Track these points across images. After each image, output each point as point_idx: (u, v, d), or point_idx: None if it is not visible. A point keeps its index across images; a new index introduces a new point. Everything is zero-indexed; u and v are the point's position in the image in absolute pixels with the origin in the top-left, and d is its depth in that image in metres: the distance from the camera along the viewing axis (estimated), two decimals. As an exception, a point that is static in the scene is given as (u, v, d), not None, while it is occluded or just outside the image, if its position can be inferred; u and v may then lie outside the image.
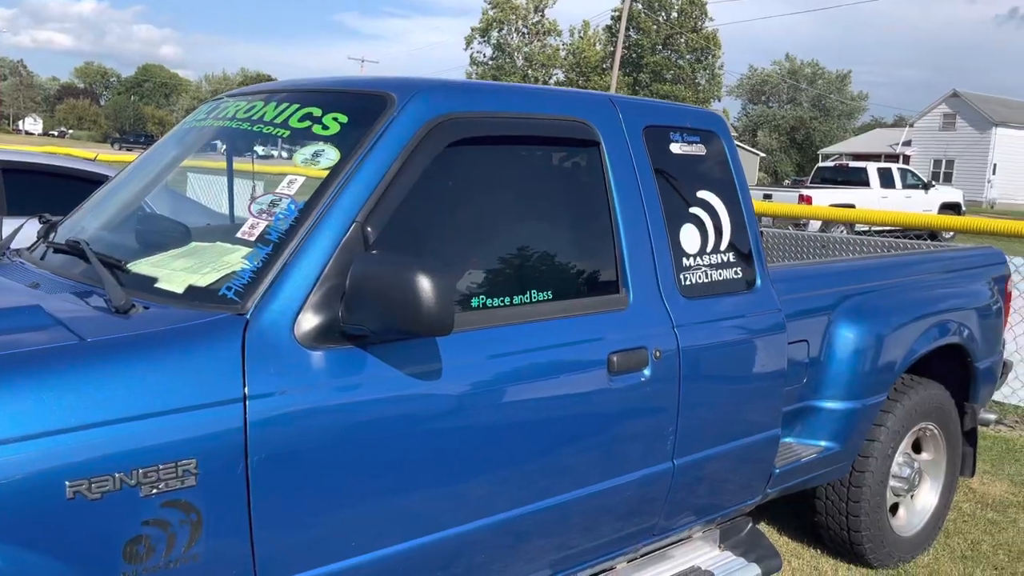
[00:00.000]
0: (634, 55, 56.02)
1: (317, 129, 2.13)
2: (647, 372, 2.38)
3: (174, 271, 1.95)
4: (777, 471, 2.96)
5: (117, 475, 1.54)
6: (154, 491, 1.58)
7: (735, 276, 2.74)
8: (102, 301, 1.86)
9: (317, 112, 2.18)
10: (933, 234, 15.32)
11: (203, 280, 1.88)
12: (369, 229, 1.93)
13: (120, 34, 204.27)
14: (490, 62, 60.69)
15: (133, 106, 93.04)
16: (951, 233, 15.88)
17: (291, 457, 1.75)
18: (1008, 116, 45.34)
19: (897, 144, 46.84)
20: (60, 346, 1.62)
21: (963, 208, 21.85)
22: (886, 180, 19.66)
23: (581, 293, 2.34)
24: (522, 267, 2.25)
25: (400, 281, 1.74)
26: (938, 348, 3.51)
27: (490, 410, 2.07)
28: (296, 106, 2.25)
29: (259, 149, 2.51)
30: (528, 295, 2.21)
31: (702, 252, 2.65)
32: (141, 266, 2.02)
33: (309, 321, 1.81)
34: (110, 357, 1.62)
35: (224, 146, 2.63)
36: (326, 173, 1.99)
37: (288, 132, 2.19)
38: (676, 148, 2.67)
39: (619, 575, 2.60)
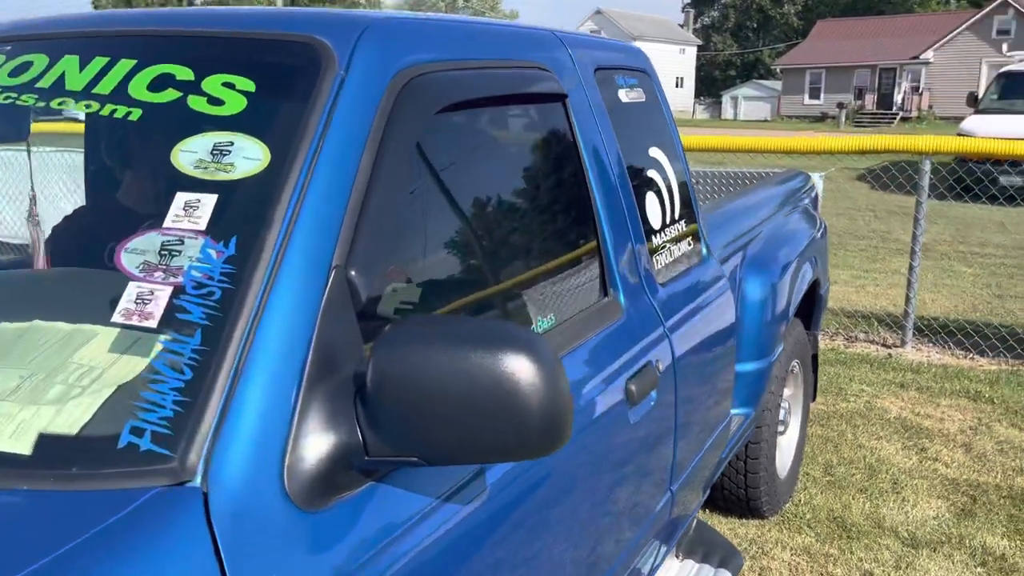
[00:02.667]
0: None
1: (200, 105, 1.24)
2: (655, 394, 1.85)
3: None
4: (723, 455, 2.64)
5: None
6: None
7: (689, 247, 2.28)
8: None
9: (186, 75, 1.28)
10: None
11: (71, 418, 0.98)
12: (355, 275, 1.14)
13: None
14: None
15: None
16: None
17: None
18: (644, 30, 50.35)
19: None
20: None
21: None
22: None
23: (577, 309, 1.73)
24: (525, 290, 1.57)
25: (483, 374, 1.01)
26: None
27: (525, 501, 1.41)
28: (128, 63, 1.31)
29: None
30: (535, 328, 1.55)
31: (664, 225, 2.14)
32: None
33: (307, 465, 1.02)
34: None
35: None
36: (251, 184, 1.15)
37: (140, 111, 1.26)
38: (623, 95, 2.09)
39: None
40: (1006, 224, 11.15)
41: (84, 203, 1.60)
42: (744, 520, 3.39)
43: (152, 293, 1.06)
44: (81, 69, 1.32)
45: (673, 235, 2.17)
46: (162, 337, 1.04)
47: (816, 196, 4.23)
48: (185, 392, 0.99)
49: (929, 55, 37.79)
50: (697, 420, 2.17)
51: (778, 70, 44.41)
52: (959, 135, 13.39)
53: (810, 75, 41.62)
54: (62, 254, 1.44)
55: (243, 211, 1.13)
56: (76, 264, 1.40)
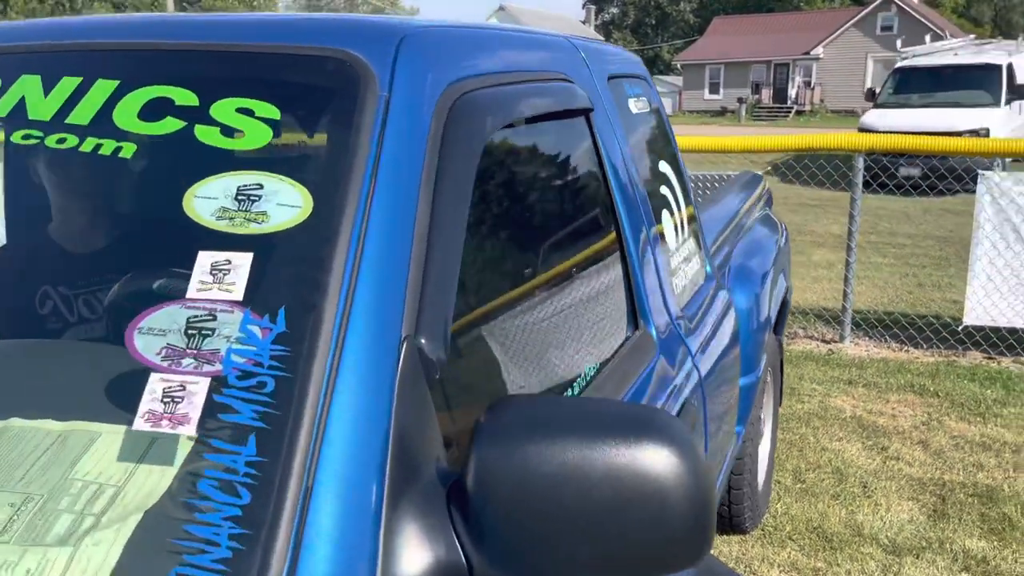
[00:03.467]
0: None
1: (212, 138, 1.00)
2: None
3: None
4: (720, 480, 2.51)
5: None
6: None
7: (698, 266, 2.13)
8: None
9: (187, 99, 1.03)
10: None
11: (94, 565, 0.74)
12: (426, 344, 0.93)
13: None
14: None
15: None
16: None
17: None
18: (547, 27, 50.59)
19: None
20: None
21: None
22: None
23: (614, 347, 1.55)
24: (572, 332, 1.38)
25: (621, 471, 0.82)
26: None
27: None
28: (108, 85, 1.05)
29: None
30: (584, 377, 1.37)
31: (678, 245, 1.98)
32: None
33: None
34: None
35: None
36: (293, 237, 0.92)
37: (133, 146, 1.01)
38: (633, 106, 1.92)
39: None
40: (910, 214, 11.61)
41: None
42: (725, 536, 3.30)
43: (183, 387, 0.82)
44: (46, 93, 1.06)
45: (685, 254, 2.03)
46: (200, 446, 0.80)
47: (771, 197, 4.19)
48: (244, 522, 0.76)
49: (819, 51, 39.32)
50: (718, 450, 2.03)
51: (678, 66, 45.39)
52: (861, 129, 13.89)
53: (709, 71, 42.70)
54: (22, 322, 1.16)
55: (288, 273, 0.90)
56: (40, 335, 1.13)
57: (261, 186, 0.95)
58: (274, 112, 1.02)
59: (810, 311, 6.39)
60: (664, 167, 2.01)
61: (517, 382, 1.20)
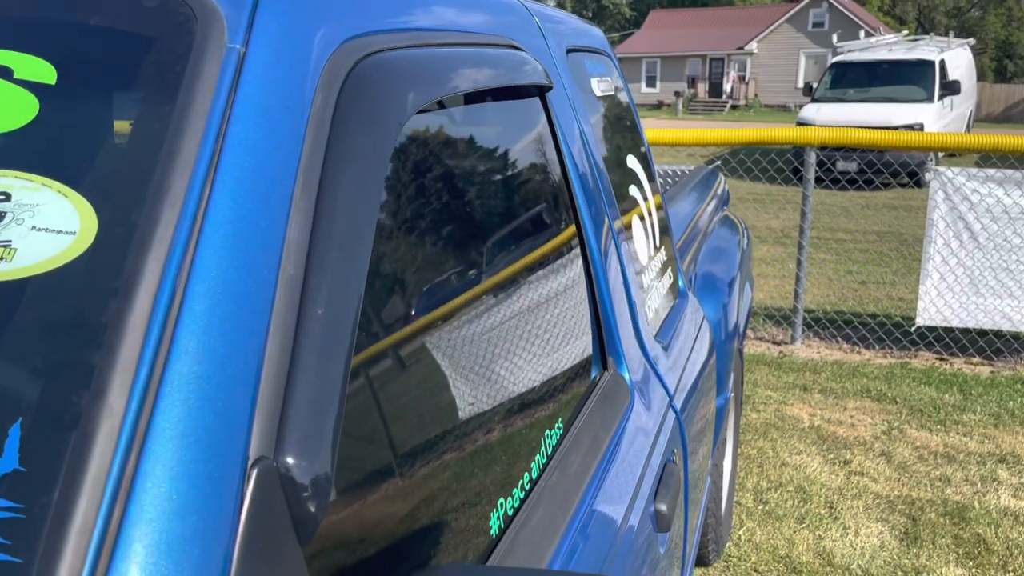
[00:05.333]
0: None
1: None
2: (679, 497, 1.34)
3: None
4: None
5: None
6: None
7: (670, 280, 1.79)
8: None
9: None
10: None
11: None
12: (294, 466, 0.54)
13: None
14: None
15: None
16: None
17: None
18: None
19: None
20: None
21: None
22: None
23: (578, 396, 1.18)
24: (523, 390, 1.01)
25: None
26: (740, 299, 3.02)
27: None
28: None
29: None
30: (544, 447, 1.00)
31: (649, 259, 1.63)
32: None
33: None
34: None
35: None
36: (50, 286, 0.53)
37: None
38: (596, 87, 1.56)
39: None
40: (849, 209, 11.58)
41: None
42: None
43: None
44: None
45: (657, 268, 1.68)
46: None
47: (728, 195, 3.90)
48: None
49: (753, 46, 39.76)
50: (696, 503, 1.70)
51: (615, 59, 45.35)
52: (799, 123, 13.88)
53: (646, 64, 42.82)
54: None
55: (36, 360, 0.51)
56: None
57: (7, 196, 0.55)
58: (47, 72, 0.62)
59: (759, 311, 6.17)
60: (633, 163, 1.66)
61: (452, 469, 0.83)
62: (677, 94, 38.94)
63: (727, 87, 40.57)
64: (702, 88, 40.91)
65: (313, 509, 0.55)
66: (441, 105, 0.93)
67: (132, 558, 0.45)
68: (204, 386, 0.51)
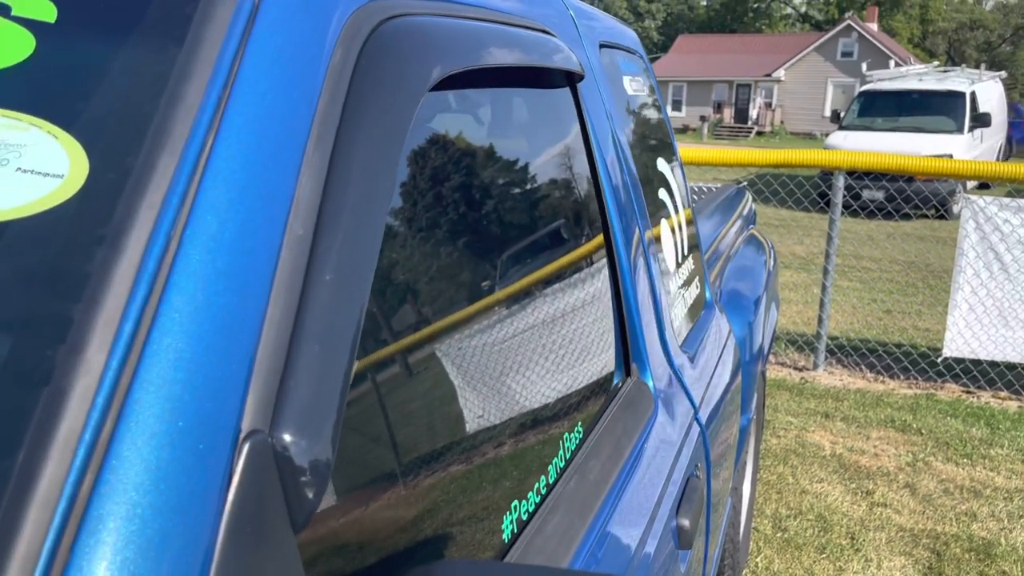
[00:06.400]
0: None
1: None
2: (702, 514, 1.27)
3: None
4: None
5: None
6: None
7: (697, 290, 1.72)
8: None
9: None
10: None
11: None
12: (291, 442, 0.49)
13: None
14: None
15: None
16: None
17: None
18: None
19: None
20: None
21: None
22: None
23: (600, 404, 1.12)
24: (543, 392, 0.95)
25: None
26: (765, 318, 2.94)
27: None
28: None
29: None
30: (562, 451, 0.94)
31: (677, 267, 1.57)
32: None
33: None
34: None
35: None
36: (28, 233, 0.48)
37: None
38: (628, 85, 1.51)
39: None
40: (874, 237, 11.45)
41: None
42: (700, 595, 2.89)
43: None
44: None
45: (685, 276, 1.61)
46: None
47: (755, 214, 3.83)
48: None
49: (780, 73, 39.69)
50: (717, 526, 1.63)
51: (642, 82, 45.40)
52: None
53: (672, 88, 42.84)
54: None
55: (13, 310, 0.46)
56: None
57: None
58: (47, 10, 0.57)
59: (781, 335, 6.07)
60: (664, 167, 1.60)
61: (462, 465, 0.77)
62: (703, 118, 38.89)
63: (753, 113, 40.49)
64: (728, 113, 40.86)
65: (310, 493, 0.49)
66: (468, 84, 0.88)
67: (101, 532, 0.40)
68: (194, 347, 0.46)
